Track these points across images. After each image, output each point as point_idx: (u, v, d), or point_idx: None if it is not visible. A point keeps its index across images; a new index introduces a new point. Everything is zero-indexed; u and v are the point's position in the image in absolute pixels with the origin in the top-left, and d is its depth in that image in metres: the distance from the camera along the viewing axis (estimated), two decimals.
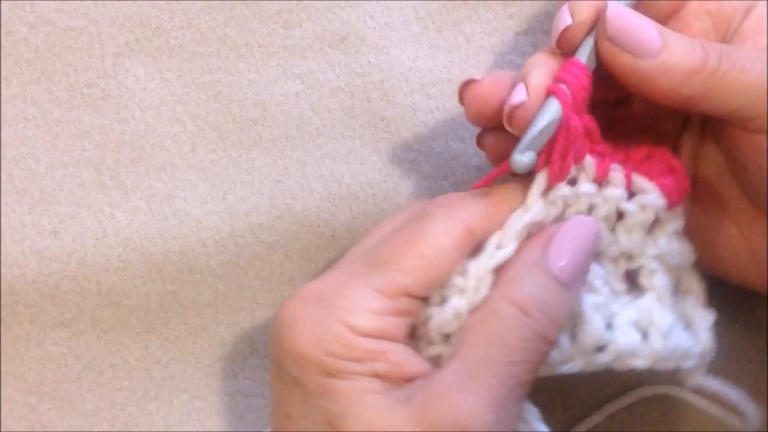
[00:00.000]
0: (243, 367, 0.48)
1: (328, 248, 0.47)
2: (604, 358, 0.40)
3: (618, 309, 0.40)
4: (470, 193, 0.39)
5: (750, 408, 0.43)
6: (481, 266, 0.38)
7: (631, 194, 0.40)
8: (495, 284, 0.38)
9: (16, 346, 0.47)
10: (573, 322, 0.40)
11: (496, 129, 0.40)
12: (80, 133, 0.47)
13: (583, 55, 0.39)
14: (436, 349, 0.39)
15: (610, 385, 0.48)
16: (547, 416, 0.45)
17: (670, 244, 0.41)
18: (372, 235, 0.41)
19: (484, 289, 0.38)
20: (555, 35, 0.39)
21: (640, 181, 0.40)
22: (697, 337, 0.41)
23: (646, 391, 0.47)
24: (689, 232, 0.42)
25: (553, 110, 0.38)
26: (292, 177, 0.47)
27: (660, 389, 0.47)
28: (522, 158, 0.38)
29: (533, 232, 0.39)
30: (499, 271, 0.38)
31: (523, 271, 0.38)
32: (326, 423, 0.36)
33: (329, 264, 0.47)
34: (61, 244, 0.46)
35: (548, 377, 0.40)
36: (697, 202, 0.44)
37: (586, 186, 0.40)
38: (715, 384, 0.43)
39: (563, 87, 0.38)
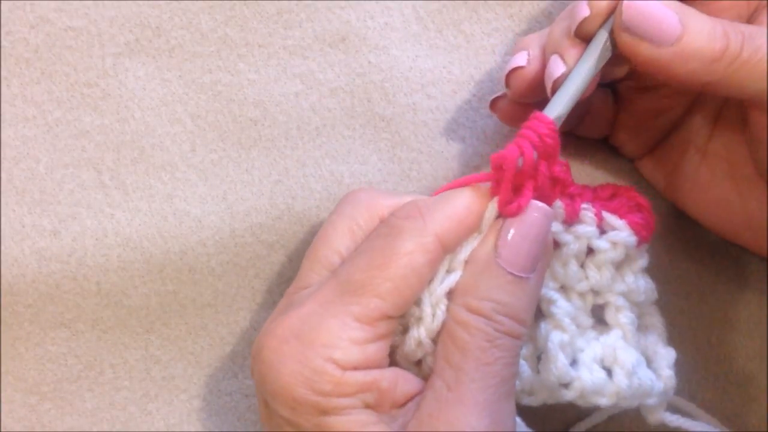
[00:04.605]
0: (243, 367, 0.48)
1: None
2: (568, 395, 0.40)
3: (583, 345, 0.41)
4: (435, 200, 0.39)
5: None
6: (433, 294, 0.38)
7: (602, 231, 0.41)
8: (453, 291, 0.38)
9: (16, 346, 0.47)
10: (537, 353, 0.41)
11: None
12: (80, 133, 0.47)
13: (587, 63, 0.40)
14: (412, 370, 0.39)
15: None
16: (547, 415, 0.45)
17: (636, 281, 0.42)
18: (324, 243, 0.40)
19: (441, 314, 0.38)
20: (573, 25, 0.40)
21: (610, 218, 0.41)
22: (659, 375, 0.42)
23: None
24: (697, 194, 0.44)
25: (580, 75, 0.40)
26: (292, 177, 0.47)
27: None
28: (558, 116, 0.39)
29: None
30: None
31: (478, 274, 0.38)
32: None
33: None
34: (61, 244, 0.46)
35: None
36: (705, 168, 0.45)
37: (555, 226, 0.40)
38: (676, 420, 0.43)
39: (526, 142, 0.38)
